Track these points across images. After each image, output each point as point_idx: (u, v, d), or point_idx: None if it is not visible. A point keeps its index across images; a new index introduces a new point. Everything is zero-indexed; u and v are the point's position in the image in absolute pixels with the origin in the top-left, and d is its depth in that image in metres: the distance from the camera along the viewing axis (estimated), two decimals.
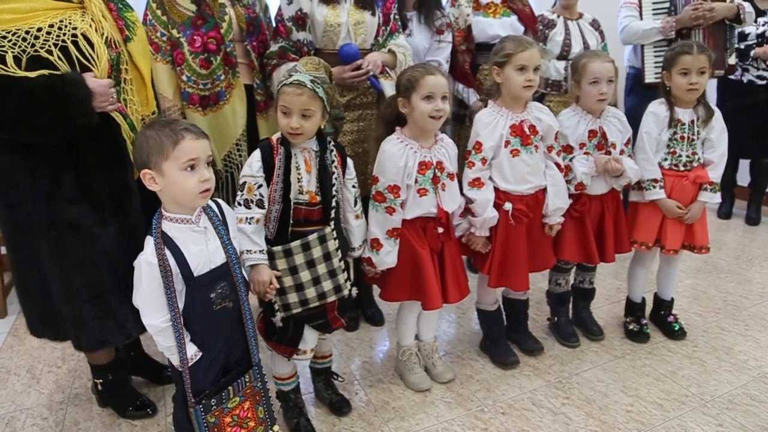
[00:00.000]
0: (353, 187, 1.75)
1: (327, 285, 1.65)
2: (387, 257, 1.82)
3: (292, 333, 1.69)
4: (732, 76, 3.26)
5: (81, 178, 1.57)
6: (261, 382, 1.53)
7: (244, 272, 1.52)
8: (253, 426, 1.51)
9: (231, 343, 1.48)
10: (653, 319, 2.39)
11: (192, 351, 1.40)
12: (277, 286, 1.60)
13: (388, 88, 2.22)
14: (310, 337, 1.73)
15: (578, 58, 2.10)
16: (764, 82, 3.32)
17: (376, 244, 1.81)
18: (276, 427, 1.58)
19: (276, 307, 1.65)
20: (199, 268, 1.38)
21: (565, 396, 1.97)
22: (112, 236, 1.62)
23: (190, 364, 1.39)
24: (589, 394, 1.98)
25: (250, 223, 1.58)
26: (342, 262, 1.68)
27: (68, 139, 1.54)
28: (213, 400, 1.42)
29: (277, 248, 1.60)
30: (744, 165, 3.66)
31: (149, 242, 1.37)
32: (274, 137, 1.64)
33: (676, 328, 2.32)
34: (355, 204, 1.77)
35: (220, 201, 1.51)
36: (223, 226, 1.45)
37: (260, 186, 1.59)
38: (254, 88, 2.11)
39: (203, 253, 1.40)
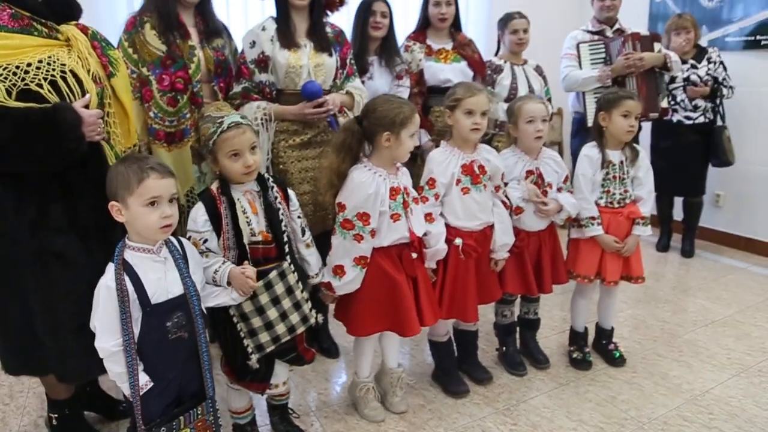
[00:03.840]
0: (299, 217, 1.82)
1: (294, 318, 1.71)
2: (350, 284, 1.86)
3: (264, 370, 1.73)
4: (665, 118, 3.53)
5: (68, 207, 1.61)
6: (213, 416, 1.55)
7: (202, 306, 1.56)
8: None
9: (185, 374, 1.51)
10: (595, 348, 2.53)
11: (143, 380, 1.43)
12: (253, 277, 1.60)
13: None
14: (281, 372, 1.79)
15: (513, 102, 2.27)
16: (691, 122, 3.60)
17: (339, 271, 1.85)
18: None
19: (249, 350, 1.67)
20: (156, 295, 1.44)
21: (513, 422, 2.07)
22: (96, 266, 1.62)
23: (141, 393, 1.42)
24: (536, 420, 2.08)
25: (206, 256, 1.64)
26: (304, 292, 1.75)
27: (57, 170, 1.58)
28: (163, 428, 1.43)
29: None
30: (678, 201, 3.93)
31: (110, 268, 1.43)
32: (213, 187, 1.68)
33: (617, 356, 2.46)
34: (303, 234, 1.84)
35: (183, 240, 1.57)
36: (182, 260, 1.51)
37: (206, 241, 1.63)
38: None
39: (161, 281, 1.45)
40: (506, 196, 2.14)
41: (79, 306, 1.61)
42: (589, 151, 2.29)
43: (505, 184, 2.16)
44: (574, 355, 2.46)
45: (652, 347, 2.63)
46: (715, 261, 3.80)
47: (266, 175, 1.75)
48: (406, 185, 1.91)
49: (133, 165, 1.43)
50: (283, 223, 1.71)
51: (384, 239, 1.86)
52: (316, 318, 1.79)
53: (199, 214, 1.62)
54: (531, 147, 2.20)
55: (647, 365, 2.46)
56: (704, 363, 2.48)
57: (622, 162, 2.28)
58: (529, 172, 2.20)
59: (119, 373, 1.43)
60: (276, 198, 1.72)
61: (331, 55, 2.30)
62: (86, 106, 1.58)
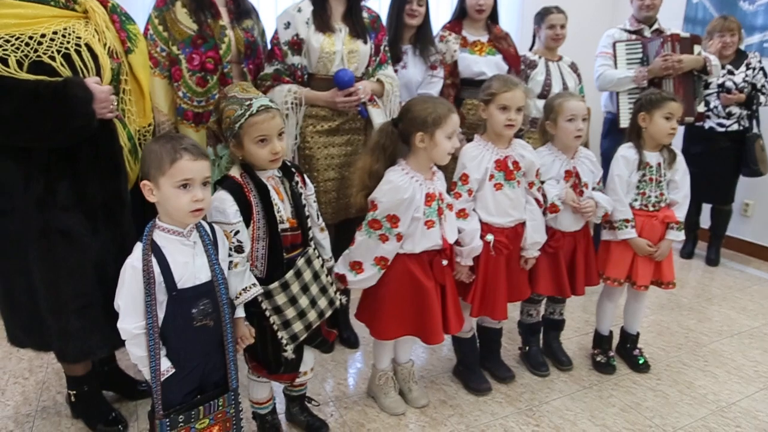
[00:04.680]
0: (314, 201, 1.78)
1: (322, 302, 1.70)
2: (365, 282, 1.83)
3: (295, 359, 1.69)
4: (697, 123, 3.45)
5: (76, 185, 1.58)
6: (235, 409, 1.51)
7: (230, 290, 1.52)
8: None
9: (209, 364, 1.48)
10: (619, 352, 2.48)
11: (165, 366, 1.39)
12: (251, 341, 1.58)
13: (376, 115, 2.30)
14: (309, 358, 1.78)
15: (552, 99, 2.22)
16: (723, 130, 3.52)
17: (357, 267, 1.82)
18: None
19: (284, 341, 1.63)
20: (183, 280, 1.40)
21: (536, 423, 2.03)
22: (102, 246, 1.63)
23: (162, 379, 1.38)
24: (559, 423, 2.04)
25: (230, 269, 1.53)
26: (328, 276, 1.73)
27: (67, 146, 1.55)
28: (181, 416, 1.40)
29: (274, 285, 1.59)
30: (706, 208, 3.85)
31: (137, 247, 1.40)
32: (235, 174, 1.59)
33: (641, 362, 2.41)
34: (318, 218, 1.80)
35: (215, 226, 1.52)
36: (212, 246, 1.47)
37: (237, 232, 1.54)
38: None
39: (189, 266, 1.41)
40: (542, 194, 2.09)
41: (83, 286, 1.61)
42: (626, 152, 2.23)
43: (542, 182, 2.10)
44: (598, 359, 2.41)
45: (676, 355, 2.57)
46: (741, 271, 3.72)
47: (285, 159, 1.70)
48: (441, 191, 1.86)
49: (167, 144, 1.39)
50: (306, 208, 1.69)
51: (417, 246, 1.82)
52: (341, 300, 1.78)
53: (227, 205, 1.52)
54: (569, 146, 2.15)
55: (672, 373, 2.41)
56: (730, 374, 2.42)
57: (659, 164, 2.22)
58: (568, 173, 2.14)
59: (141, 357, 1.40)
60: (297, 183, 1.68)
61: (366, 42, 2.26)
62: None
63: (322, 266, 1.70)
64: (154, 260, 1.37)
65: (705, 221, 3.90)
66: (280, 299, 1.60)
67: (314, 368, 1.81)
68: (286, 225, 1.62)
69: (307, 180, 1.76)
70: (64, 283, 1.59)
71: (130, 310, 1.38)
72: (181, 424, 1.40)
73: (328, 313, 1.72)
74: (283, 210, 1.62)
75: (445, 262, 1.85)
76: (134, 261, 1.38)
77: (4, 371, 2.25)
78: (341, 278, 1.84)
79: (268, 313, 1.61)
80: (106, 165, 1.63)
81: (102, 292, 1.61)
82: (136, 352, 1.40)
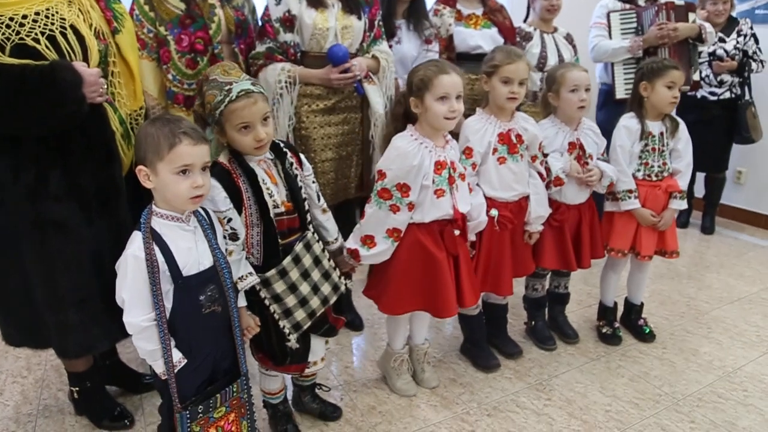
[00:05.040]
0: (313, 182, 1.70)
1: (326, 288, 1.63)
2: (378, 256, 1.76)
3: (302, 348, 1.64)
4: (688, 93, 3.44)
5: (68, 174, 1.51)
6: (247, 393, 1.48)
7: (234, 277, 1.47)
8: None
9: (219, 350, 1.44)
10: (624, 323, 2.48)
11: (177, 357, 1.35)
12: (257, 331, 1.53)
13: (372, 92, 2.24)
14: (318, 347, 1.70)
15: (554, 69, 2.17)
16: (715, 98, 3.51)
17: (369, 241, 1.75)
18: None
19: (287, 331, 1.58)
20: (187, 267, 1.34)
21: (547, 397, 2.03)
22: (98, 236, 1.56)
23: (175, 371, 1.34)
24: (570, 395, 2.04)
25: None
26: (330, 261, 1.66)
27: (57, 132, 1.48)
28: (200, 407, 1.37)
29: (271, 272, 1.52)
30: (699, 177, 3.85)
31: (137, 237, 1.33)
32: (223, 159, 1.52)
33: (647, 331, 2.42)
34: (319, 199, 1.72)
35: (210, 210, 1.47)
36: (211, 230, 1.42)
37: (230, 220, 1.48)
38: None
39: (192, 252, 1.36)
40: (545, 168, 2.06)
41: (80, 279, 1.55)
42: (628, 122, 2.20)
43: (545, 155, 2.07)
44: (604, 330, 2.41)
45: (679, 323, 2.58)
46: (736, 238, 3.75)
47: (277, 140, 1.62)
48: (453, 159, 1.80)
49: (164, 128, 1.31)
50: (302, 191, 1.61)
51: (426, 215, 1.76)
52: (345, 285, 1.72)
53: (216, 192, 1.45)
54: (572, 117, 2.11)
55: (676, 341, 2.42)
56: (734, 340, 2.44)
57: (661, 133, 2.20)
58: (572, 145, 2.11)
59: (151, 351, 1.34)
60: (292, 164, 1.60)
61: (359, 17, 2.19)
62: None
63: (324, 250, 1.63)
64: (156, 248, 1.31)
65: (698, 190, 3.92)
66: (279, 287, 1.54)
67: (325, 357, 1.74)
68: (281, 209, 1.55)
69: (304, 160, 1.69)
70: (60, 276, 1.53)
71: (136, 302, 1.31)
72: (201, 414, 1.37)
73: (333, 300, 1.66)
74: (277, 194, 1.54)
75: (457, 232, 1.80)
76: (135, 250, 1.31)
77: (1, 371, 2.19)
78: (354, 253, 1.77)
79: (267, 302, 1.55)
80: (99, 151, 1.56)
81: (100, 284, 1.55)
82: (145, 347, 1.34)
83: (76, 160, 1.52)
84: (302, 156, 1.69)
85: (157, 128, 1.32)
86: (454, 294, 1.81)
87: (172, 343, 1.35)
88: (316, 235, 1.62)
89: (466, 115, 2.00)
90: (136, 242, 1.33)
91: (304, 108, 2.17)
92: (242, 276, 1.50)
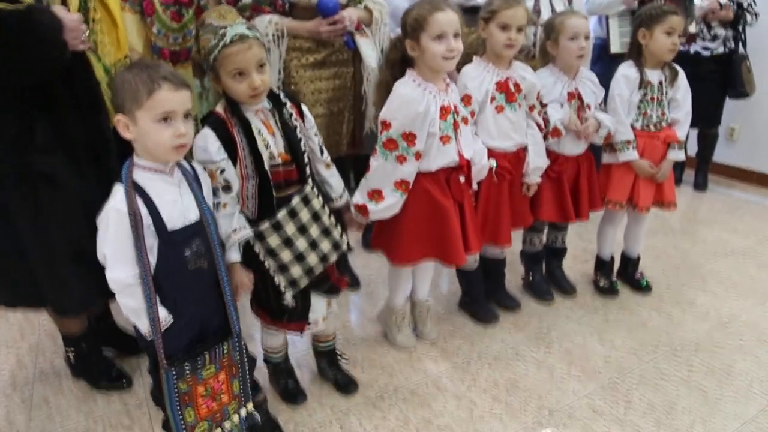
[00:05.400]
0: (315, 135, 1.62)
1: (325, 246, 1.56)
2: (387, 210, 1.72)
3: (301, 307, 1.59)
4: (680, 48, 3.39)
5: (54, 124, 1.45)
6: (240, 354, 1.42)
7: (220, 232, 1.42)
8: (227, 400, 1.40)
9: (207, 308, 1.38)
10: (621, 276, 2.49)
11: (163, 314, 1.29)
12: (251, 287, 1.50)
13: (364, 46, 2.18)
14: (319, 306, 1.64)
15: (553, 18, 2.13)
16: (709, 53, 3.48)
17: (376, 195, 1.70)
18: (250, 405, 1.47)
19: (282, 287, 1.54)
20: (172, 221, 1.28)
21: (546, 348, 2.03)
22: (89, 188, 1.50)
23: (162, 329, 1.28)
24: (569, 346, 2.04)
25: (218, 210, 1.44)
26: (331, 217, 1.60)
27: (41, 82, 1.42)
28: (187, 364, 1.31)
29: (264, 225, 1.48)
30: (692, 134, 3.84)
31: (118, 189, 1.26)
32: (219, 109, 1.47)
33: (644, 284, 2.43)
34: (322, 153, 1.65)
35: (195, 164, 1.41)
36: (196, 184, 1.36)
37: (223, 171, 1.43)
38: None
39: (177, 205, 1.30)
40: (543, 118, 2.02)
41: (74, 232, 1.49)
42: (627, 70, 2.16)
43: (542, 105, 2.03)
44: (601, 284, 2.41)
45: (675, 276, 2.59)
46: (728, 195, 3.76)
47: (277, 91, 1.56)
48: (455, 103, 1.75)
49: (142, 73, 1.23)
50: (302, 143, 1.54)
51: (432, 163, 1.71)
52: (348, 243, 1.66)
53: (209, 142, 1.41)
54: (571, 66, 2.07)
55: (673, 293, 2.43)
56: (729, 291, 2.46)
57: (661, 82, 2.17)
58: (570, 95, 2.07)
59: (135, 309, 1.28)
60: (291, 115, 1.54)
61: None
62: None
63: (324, 206, 1.57)
64: (140, 201, 1.24)
65: (691, 148, 3.91)
66: (273, 241, 1.50)
67: (326, 318, 1.69)
68: (278, 160, 1.49)
69: (306, 112, 1.61)
70: (52, 230, 1.48)
71: (119, 258, 1.25)
72: (188, 373, 1.31)
73: (333, 258, 1.60)
74: (273, 145, 1.48)
75: (462, 179, 1.76)
76: (117, 204, 1.24)
77: None
78: (362, 209, 1.72)
79: (261, 257, 1.51)
80: (85, 101, 1.50)
81: (94, 238, 1.51)
82: (129, 304, 1.28)
83: (62, 111, 1.46)
84: (304, 107, 1.62)
85: (134, 74, 1.24)
86: (462, 241, 1.78)
87: (158, 299, 1.29)
88: (315, 189, 1.56)
89: (461, 68, 1.96)
90: (117, 195, 1.26)
91: (293, 62, 2.10)
92: (235, 229, 1.46)
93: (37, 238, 1.49)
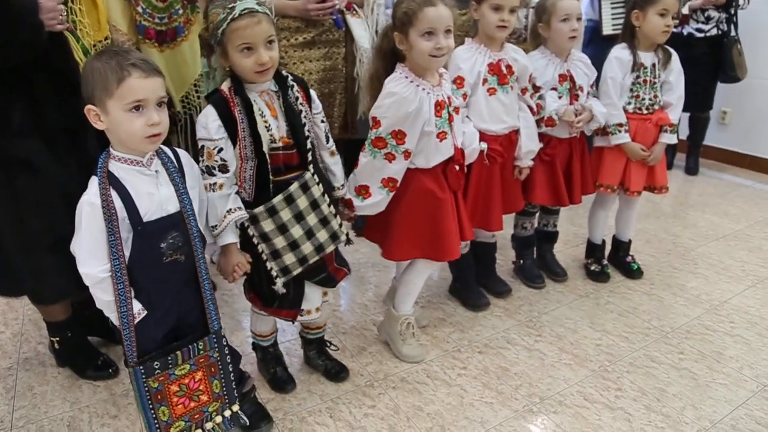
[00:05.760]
0: (322, 122, 1.57)
1: (322, 235, 1.52)
2: (373, 207, 1.68)
3: (294, 294, 1.56)
4: (674, 29, 3.36)
5: (31, 108, 1.40)
6: (219, 353, 1.36)
7: (200, 226, 1.36)
8: (206, 400, 1.34)
9: (183, 303, 1.34)
10: (612, 260, 2.48)
11: (137, 308, 1.25)
12: (247, 269, 1.47)
13: (356, 26, 2.13)
14: (313, 296, 1.60)
15: (544, 0, 2.08)
16: (702, 35, 3.45)
17: (363, 191, 1.67)
18: (235, 407, 1.41)
19: (274, 273, 1.50)
20: (149, 213, 1.24)
21: (537, 334, 2.02)
22: (68, 175, 1.46)
23: (134, 323, 1.24)
24: (560, 331, 2.03)
25: (213, 191, 1.41)
26: (331, 206, 1.54)
27: (17, 64, 1.36)
28: (157, 363, 1.26)
29: (259, 209, 1.44)
30: (684, 118, 3.82)
31: (93, 182, 1.22)
32: (224, 87, 1.43)
33: (635, 268, 2.42)
34: (327, 140, 1.61)
35: (178, 150, 1.36)
36: (178, 174, 1.30)
37: (220, 150, 1.40)
38: None
39: (154, 197, 1.26)
40: (535, 103, 1.99)
41: (52, 220, 1.45)
42: (620, 52, 2.13)
43: (535, 88, 2.00)
44: (592, 268, 2.40)
45: (666, 260, 2.59)
46: (720, 179, 3.76)
47: (285, 73, 1.51)
48: (448, 95, 1.69)
49: (111, 61, 1.18)
50: (306, 128, 1.48)
51: (430, 161, 1.67)
52: (347, 236, 1.61)
53: (210, 120, 1.38)
54: (563, 48, 2.03)
55: (664, 277, 2.43)
56: (720, 275, 2.46)
57: (654, 65, 2.14)
58: (562, 77, 2.04)
59: (107, 302, 1.25)
60: (297, 99, 1.48)
61: None
62: None
63: (324, 194, 1.52)
64: (114, 194, 1.20)
65: (682, 132, 3.89)
66: (267, 225, 1.46)
67: (320, 308, 1.65)
68: (279, 144, 1.45)
69: (314, 97, 1.56)
70: (29, 217, 1.44)
71: (92, 252, 1.22)
72: (158, 371, 1.26)
73: (330, 248, 1.54)
74: (275, 128, 1.44)
75: (457, 167, 1.72)
76: (91, 197, 1.20)
77: None
78: (348, 203, 1.69)
79: (255, 240, 1.48)
80: (63, 84, 1.45)
81: (73, 226, 1.47)
82: (102, 297, 1.25)
83: (39, 94, 1.41)
84: (312, 92, 1.56)
85: (103, 62, 1.19)
86: (458, 236, 1.75)
87: (132, 293, 1.25)
88: (316, 177, 1.50)
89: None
90: (92, 188, 1.22)
91: (282, 42, 2.05)
92: (230, 209, 1.42)
93: (14, 226, 1.45)
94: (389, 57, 1.65)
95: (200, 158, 1.42)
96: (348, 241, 1.62)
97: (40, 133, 1.42)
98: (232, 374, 1.39)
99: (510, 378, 1.79)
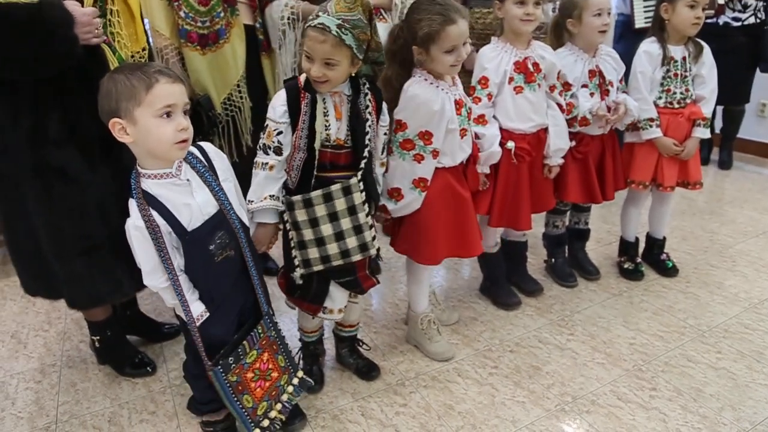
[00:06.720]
0: (384, 134, 1.60)
1: (351, 242, 1.52)
2: (407, 207, 1.70)
3: (316, 289, 1.58)
4: (708, 20, 3.27)
5: (68, 119, 1.46)
6: (274, 330, 1.46)
7: (242, 216, 1.41)
8: (277, 376, 1.46)
9: (241, 291, 1.41)
10: (646, 258, 2.43)
11: (199, 310, 1.33)
12: (268, 245, 1.53)
13: (382, 31, 2.14)
14: (338, 296, 1.61)
15: None
16: (739, 24, 3.34)
17: (395, 194, 1.68)
18: (300, 373, 1.53)
19: (296, 262, 1.54)
20: (192, 222, 1.29)
21: (570, 332, 2.00)
22: (103, 183, 1.52)
23: (197, 324, 1.32)
24: (593, 330, 2.01)
25: (263, 170, 1.47)
26: (370, 217, 1.53)
27: (54, 76, 1.42)
28: (230, 358, 1.35)
29: (297, 197, 1.48)
30: (719, 111, 3.72)
31: (132, 205, 1.27)
32: (302, 77, 1.47)
33: (669, 266, 2.37)
34: (382, 152, 1.64)
35: (203, 144, 1.39)
36: (209, 172, 1.34)
37: (279, 133, 1.46)
38: (256, 27, 2.02)
39: (192, 207, 1.29)
40: (567, 102, 1.98)
41: (86, 227, 1.51)
42: (649, 46, 2.09)
43: (565, 85, 1.98)
44: (626, 266, 2.37)
45: (703, 258, 2.53)
46: (759, 173, 3.65)
47: (362, 80, 1.50)
48: (462, 95, 1.71)
49: (135, 72, 1.22)
50: (368, 137, 1.49)
51: (456, 158, 1.69)
52: (378, 250, 1.59)
53: (278, 103, 1.45)
54: (593, 42, 2.01)
55: (700, 275, 2.37)
56: (759, 272, 2.39)
57: (684, 58, 2.09)
58: (592, 73, 2.02)
59: (174, 304, 1.34)
60: (367, 107, 1.49)
61: None
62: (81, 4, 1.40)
63: (364, 203, 1.50)
64: (154, 213, 1.24)
65: (718, 125, 3.79)
66: (300, 215, 1.49)
67: (344, 310, 1.66)
68: (332, 143, 1.49)
69: (385, 112, 1.58)
70: (65, 224, 1.50)
71: (150, 268, 1.29)
72: (233, 365, 1.36)
73: (357, 257, 1.54)
74: (335, 129, 1.48)
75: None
76: (135, 221, 1.26)
77: (23, 325, 2.20)
78: (383, 209, 1.71)
79: (288, 226, 1.52)
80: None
81: (107, 234, 1.52)
82: (170, 300, 1.34)
83: (76, 105, 1.47)
84: (384, 106, 1.57)
85: (126, 74, 1.22)
86: (479, 231, 1.77)
87: (196, 295, 1.33)
88: (362, 184, 1.51)
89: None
90: (133, 211, 1.27)
91: None
92: (272, 194, 1.49)
93: (50, 233, 1.51)
94: (401, 60, 1.65)
95: (261, 135, 1.50)
96: (378, 257, 1.62)
97: (75, 143, 1.48)
98: (288, 345, 1.51)
99: (542, 377, 1.78)
